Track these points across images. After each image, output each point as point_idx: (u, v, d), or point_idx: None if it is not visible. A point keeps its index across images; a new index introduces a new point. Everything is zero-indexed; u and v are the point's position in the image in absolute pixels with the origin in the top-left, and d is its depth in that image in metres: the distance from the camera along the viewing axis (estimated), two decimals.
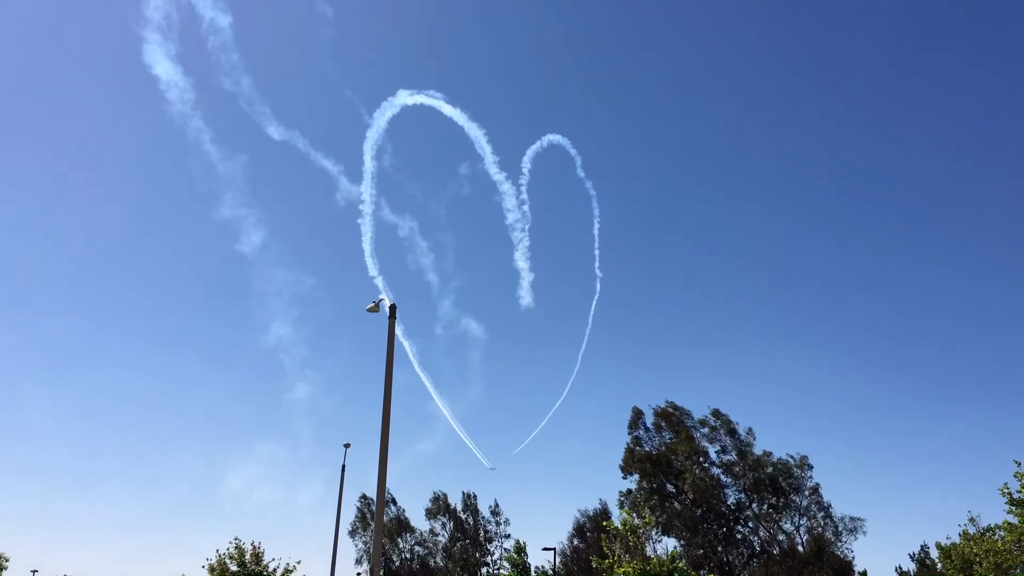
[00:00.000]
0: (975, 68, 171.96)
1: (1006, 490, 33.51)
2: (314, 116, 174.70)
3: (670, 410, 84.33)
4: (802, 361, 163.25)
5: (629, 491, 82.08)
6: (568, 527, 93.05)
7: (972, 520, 40.83)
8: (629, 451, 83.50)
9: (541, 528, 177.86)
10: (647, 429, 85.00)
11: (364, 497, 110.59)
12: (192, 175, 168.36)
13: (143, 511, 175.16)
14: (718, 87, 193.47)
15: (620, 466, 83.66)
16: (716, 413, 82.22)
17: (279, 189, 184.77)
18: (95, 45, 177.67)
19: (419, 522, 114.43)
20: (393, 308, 26.50)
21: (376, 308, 27.25)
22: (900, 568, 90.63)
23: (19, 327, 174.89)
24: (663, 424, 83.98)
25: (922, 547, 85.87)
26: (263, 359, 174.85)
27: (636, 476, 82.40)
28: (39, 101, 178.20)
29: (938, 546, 42.94)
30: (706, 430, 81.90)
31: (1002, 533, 36.12)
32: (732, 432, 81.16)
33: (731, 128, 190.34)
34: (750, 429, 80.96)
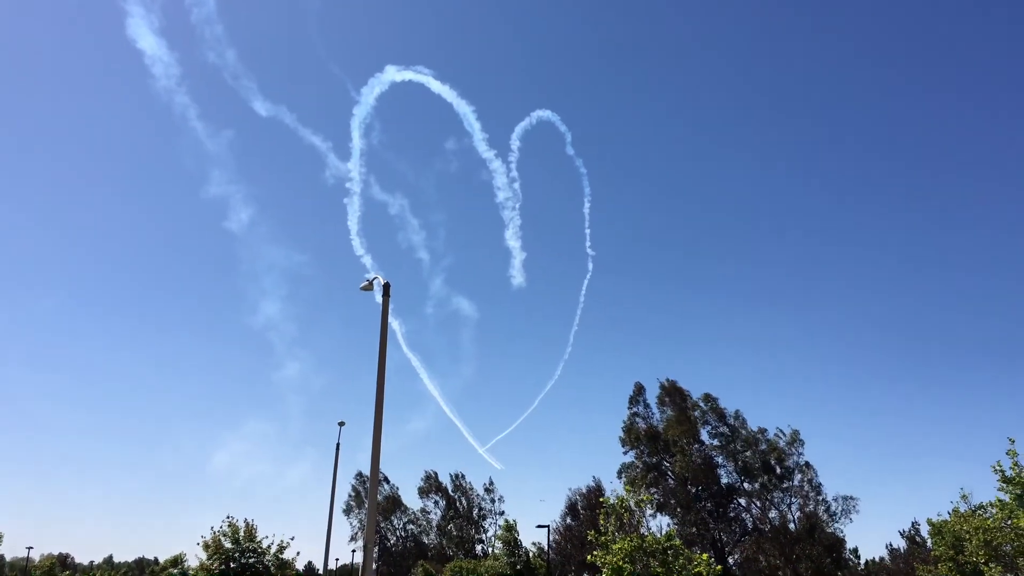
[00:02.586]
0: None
1: (998, 467, 33.71)
2: (301, 91, 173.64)
3: (671, 387, 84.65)
4: (795, 339, 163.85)
5: (628, 465, 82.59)
6: (561, 506, 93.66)
7: (964, 497, 41.08)
8: (628, 426, 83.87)
9: (535, 506, 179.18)
10: (647, 405, 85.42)
11: (360, 475, 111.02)
12: (179, 152, 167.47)
13: (134, 488, 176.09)
14: (710, 61, 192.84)
15: (620, 439, 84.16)
16: (707, 397, 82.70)
17: (267, 166, 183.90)
18: (77, 18, 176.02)
19: (411, 501, 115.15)
20: (387, 287, 26.35)
21: (370, 287, 27.08)
22: (891, 545, 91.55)
23: (7, 307, 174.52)
24: (663, 401, 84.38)
25: (913, 524, 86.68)
26: (252, 337, 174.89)
27: (634, 453, 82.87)
28: (20, 78, 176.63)
29: (929, 522, 43.15)
30: (697, 413, 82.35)
31: (993, 511, 36.33)
32: (722, 416, 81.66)
33: (724, 103, 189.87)
34: (737, 412, 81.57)
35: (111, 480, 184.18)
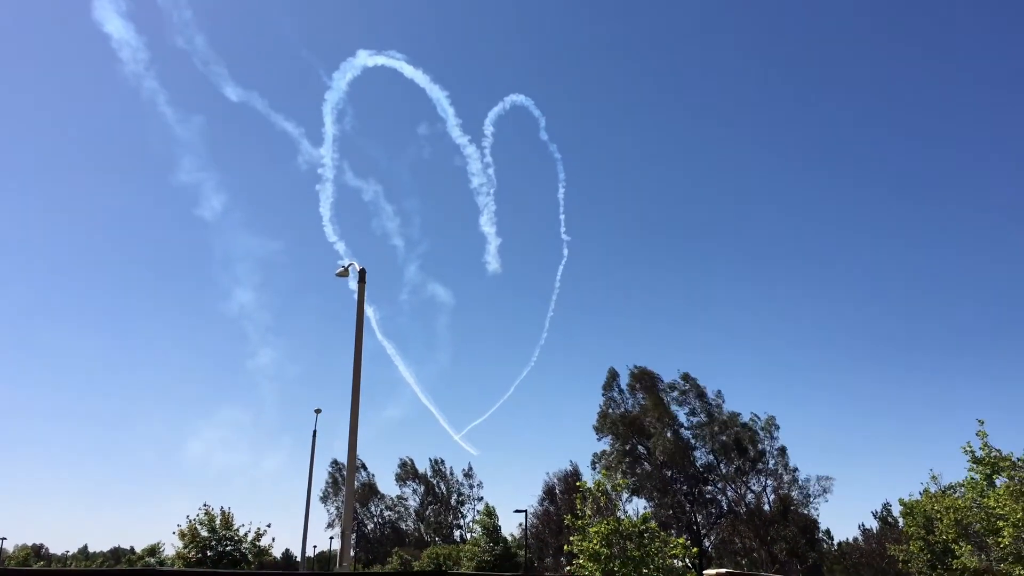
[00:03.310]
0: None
1: (969, 448, 34.30)
2: (272, 76, 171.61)
3: (643, 373, 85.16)
4: (771, 323, 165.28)
5: (602, 452, 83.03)
6: (538, 491, 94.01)
7: (934, 478, 41.80)
8: (603, 413, 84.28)
9: (512, 492, 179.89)
10: (621, 391, 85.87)
11: (335, 463, 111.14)
12: (148, 138, 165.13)
13: (108, 478, 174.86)
14: (687, 41, 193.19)
15: (594, 427, 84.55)
16: (685, 377, 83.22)
17: (239, 152, 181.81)
18: (41, 1, 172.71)
19: (386, 487, 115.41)
20: (363, 272, 26.27)
21: (345, 273, 27.01)
22: (863, 526, 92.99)
23: None
24: (636, 386, 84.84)
25: (884, 505, 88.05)
26: (226, 325, 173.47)
27: (609, 438, 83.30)
28: None
29: (900, 502, 43.77)
30: (676, 393, 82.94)
31: (963, 490, 36.98)
32: (701, 395, 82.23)
33: (701, 85, 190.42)
34: (719, 392, 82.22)
35: (85, 470, 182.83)
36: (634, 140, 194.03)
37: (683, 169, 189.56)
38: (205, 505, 38.42)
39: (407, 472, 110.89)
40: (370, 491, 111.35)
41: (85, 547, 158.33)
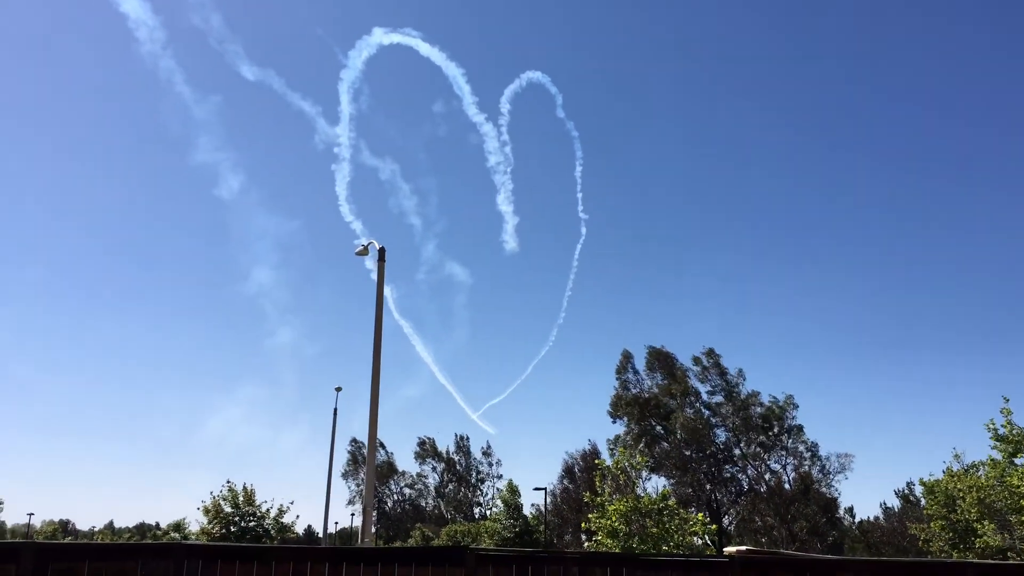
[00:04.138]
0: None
1: (992, 425, 34.03)
2: (287, 55, 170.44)
3: (660, 353, 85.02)
4: (791, 299, 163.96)
5: (617, 437, 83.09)
6: (557, 470, 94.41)
7: (956, 457, 41.51)
8: (617, 396, 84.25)
9: (530, 469, 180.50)
10: (636, 372, 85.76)
11: (354, 440, 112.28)
12: (165, 119, 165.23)
13: (131, 455, 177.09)
14: (705, 19, 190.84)
15: (608, 411, 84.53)
16: (709, 352, 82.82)
17: (256, 131, 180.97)
18: None
19: (404, 466, 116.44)
20: (382, 251, 26.30)
21: (365, 251, 27.06)
22: (884, 504, 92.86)
23: None
24: (653, 366, 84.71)
25: (907, 484, 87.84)
26: (244, 304, 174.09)
27: (624, 420, 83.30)
28: None
29: (921, 482, 43.51)
30: (697, 369, 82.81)
31: (985, 469, 36.73)
32: (722, 372, 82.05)
33: (722, 56, 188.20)
34: (740, 370, 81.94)
35: (109, 447, 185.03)
36: (653, 118, 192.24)
37: (702, 148, 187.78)
38: (228, 482, 38.93)
39: (426, 451, 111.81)
40: (389, 469, 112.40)
41: (111, 523, 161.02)
